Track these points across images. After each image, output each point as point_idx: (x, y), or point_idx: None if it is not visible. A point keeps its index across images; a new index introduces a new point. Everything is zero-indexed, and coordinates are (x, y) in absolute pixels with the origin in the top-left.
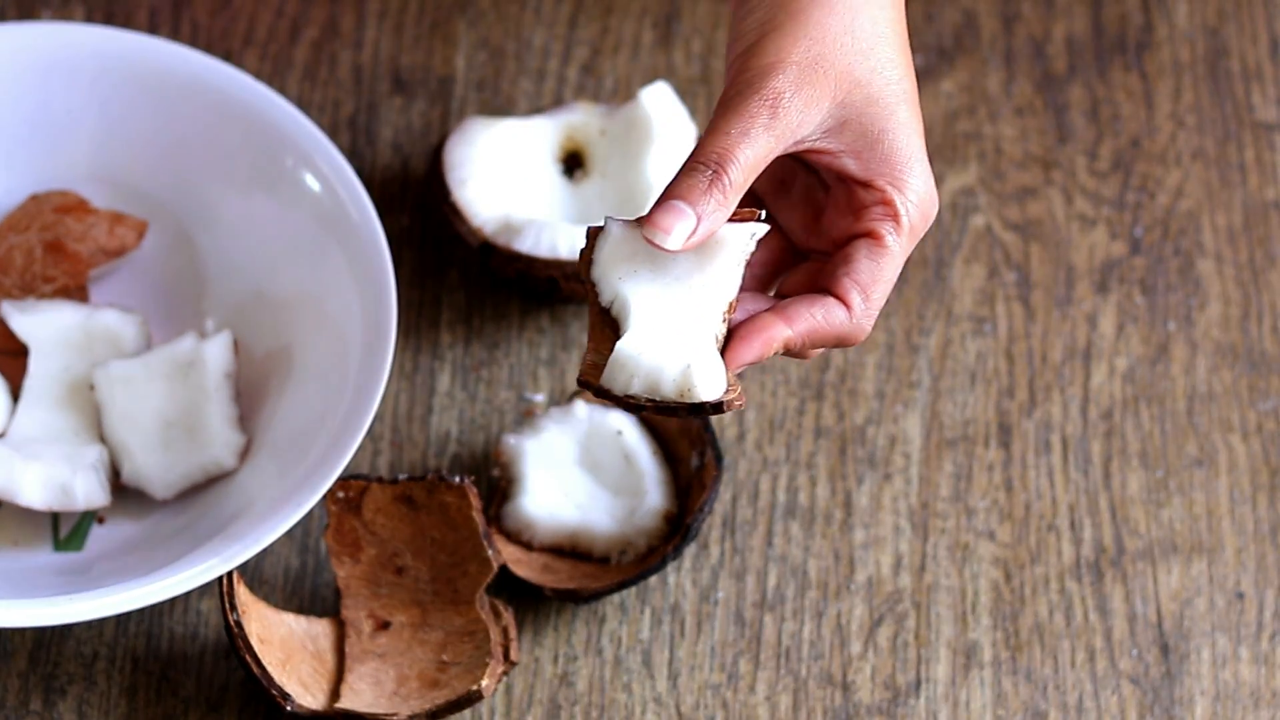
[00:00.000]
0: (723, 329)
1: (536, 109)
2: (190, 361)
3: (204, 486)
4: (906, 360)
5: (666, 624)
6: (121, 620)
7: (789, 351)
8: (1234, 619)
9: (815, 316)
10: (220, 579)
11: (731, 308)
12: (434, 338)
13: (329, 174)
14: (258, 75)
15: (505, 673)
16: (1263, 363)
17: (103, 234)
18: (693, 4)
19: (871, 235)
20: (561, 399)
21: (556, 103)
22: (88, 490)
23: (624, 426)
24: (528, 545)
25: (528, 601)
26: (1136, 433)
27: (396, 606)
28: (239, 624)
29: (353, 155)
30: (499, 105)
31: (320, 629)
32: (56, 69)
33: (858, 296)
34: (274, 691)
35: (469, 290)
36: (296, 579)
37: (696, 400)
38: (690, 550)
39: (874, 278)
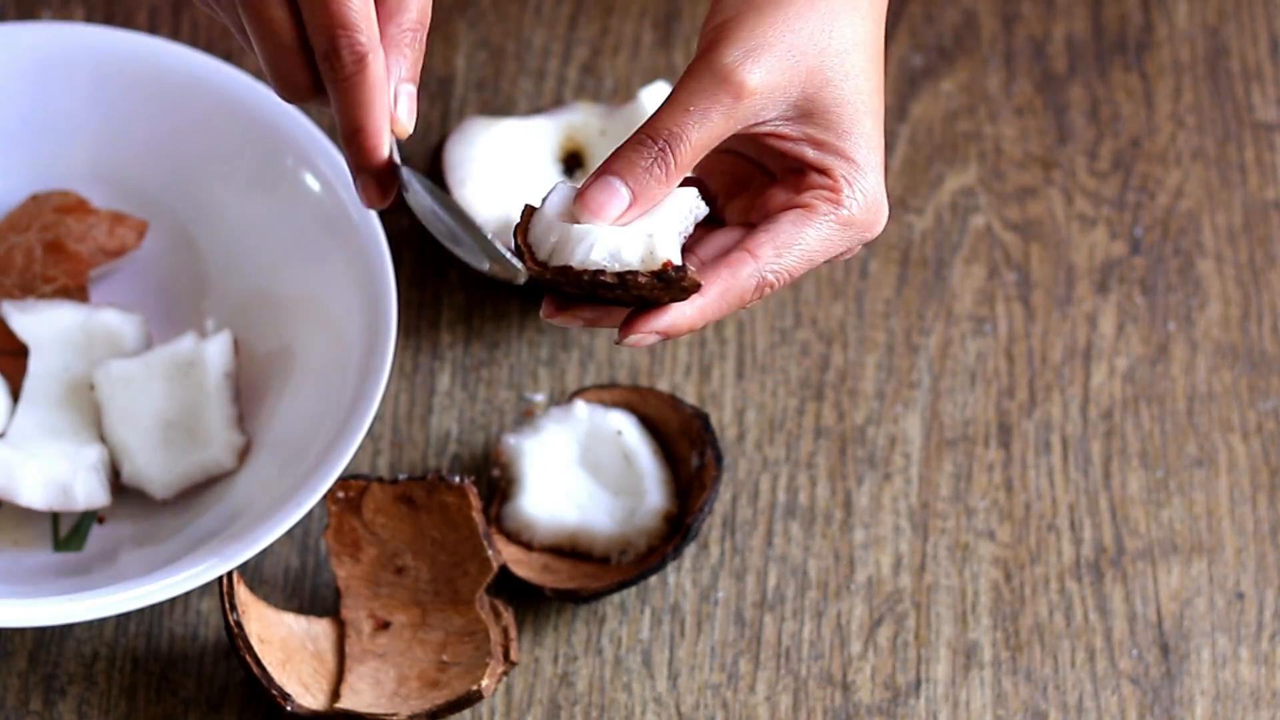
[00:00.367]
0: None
1: (536, 109)
2: (190, 361)
3: (204, 486)
4: (906, 360)
5: (666, 624)
6: (121, 620)
7: (698, 326)
8: (1234, 619)
9: (727, 282)
10: (220, 579)
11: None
12: (434, 338)
13: (329, 174)
14: (258, 75)
15: (505, 673)
16: (1263, 363)
17: (103, 234)
18: (693, 4)
19: (804, 206)
20: (561, 399)
21: (556, 103)
22: (88, 490)
23: (624, 426)
24: (528, 545)
25: (528, 601)
26: (1136, 433)
27: (396, 606)
28: (239, 624)
29: None
30: (499, 105)
31: (320, 629)
32: (56, 69)
33: (769, 250)
34: (274, 691)
35: (469, 290)
36: (296, 579)
37: (661, 263)
38: (690, 550)
39: (792, 239)
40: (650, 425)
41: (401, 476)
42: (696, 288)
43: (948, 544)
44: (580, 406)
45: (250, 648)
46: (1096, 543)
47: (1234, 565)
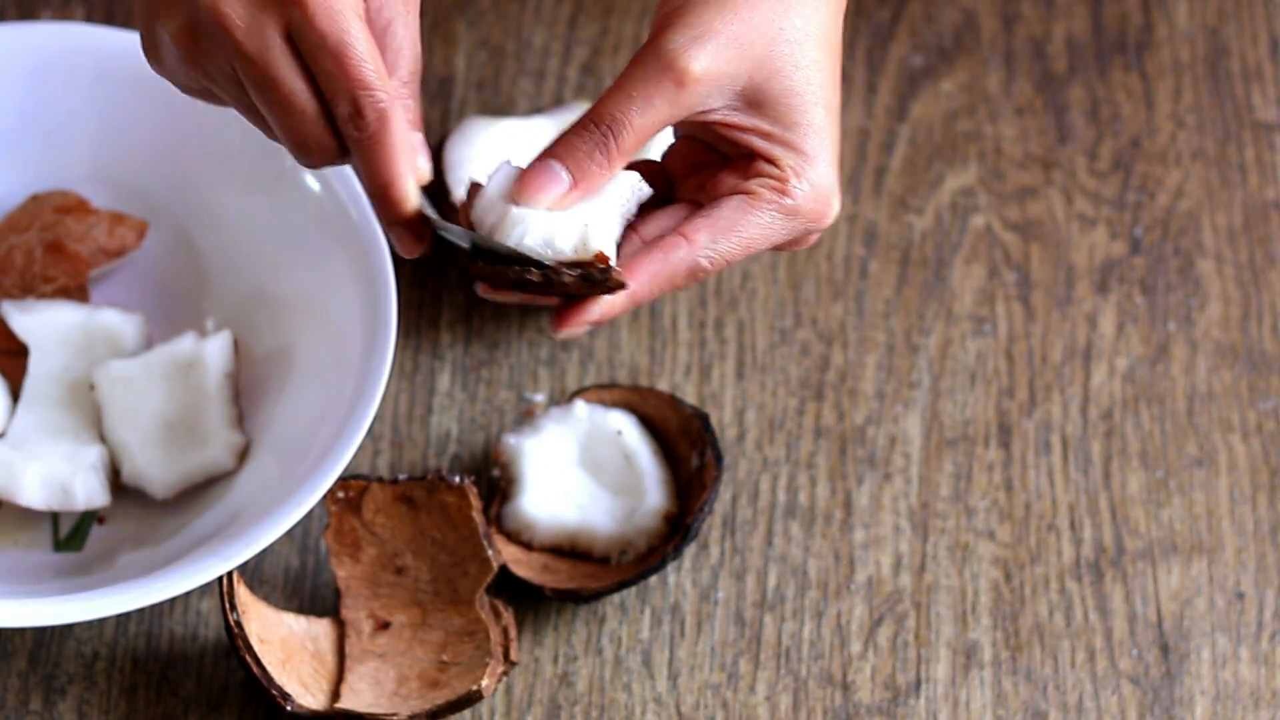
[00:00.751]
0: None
1: (536, 109)
2: (190, 361)
3: (204, 486)
4: (906, 360)
5: (666, 624)
6: (121, 620)
7: (634, 306)
8: (1234, 619)
9: (660, 263)
10: (220, 579)
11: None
12: (434, 338)
13: (329, 174)
14: None
15: (505, 673)
16: (1263, 363)
17: (103, 234)
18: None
19: (748, 193)
20: (561, 399)
21: (556, 103)
22: (88, 490)
23: (624, 426)
24: (528, 545)
25: (528, 601)
26: (1136, 433)
27: (396, 606)
28: (239, 624)
29: None
30: (499, 105)
31: (320, 629)
32: (56, 69)
33: (705, 235)
34: (274, 691)
35: (469, 290)
36: (296, 579)
37: (594, 254)
38: (690, 550)
39: (731, 226)
40: (650, 425)
41: (401, 476)
42: (621, 286)
43: (948, 544)
44: (580, 406)
45: (250, 648)
46: (1096, 543)
47: (1234, 565)
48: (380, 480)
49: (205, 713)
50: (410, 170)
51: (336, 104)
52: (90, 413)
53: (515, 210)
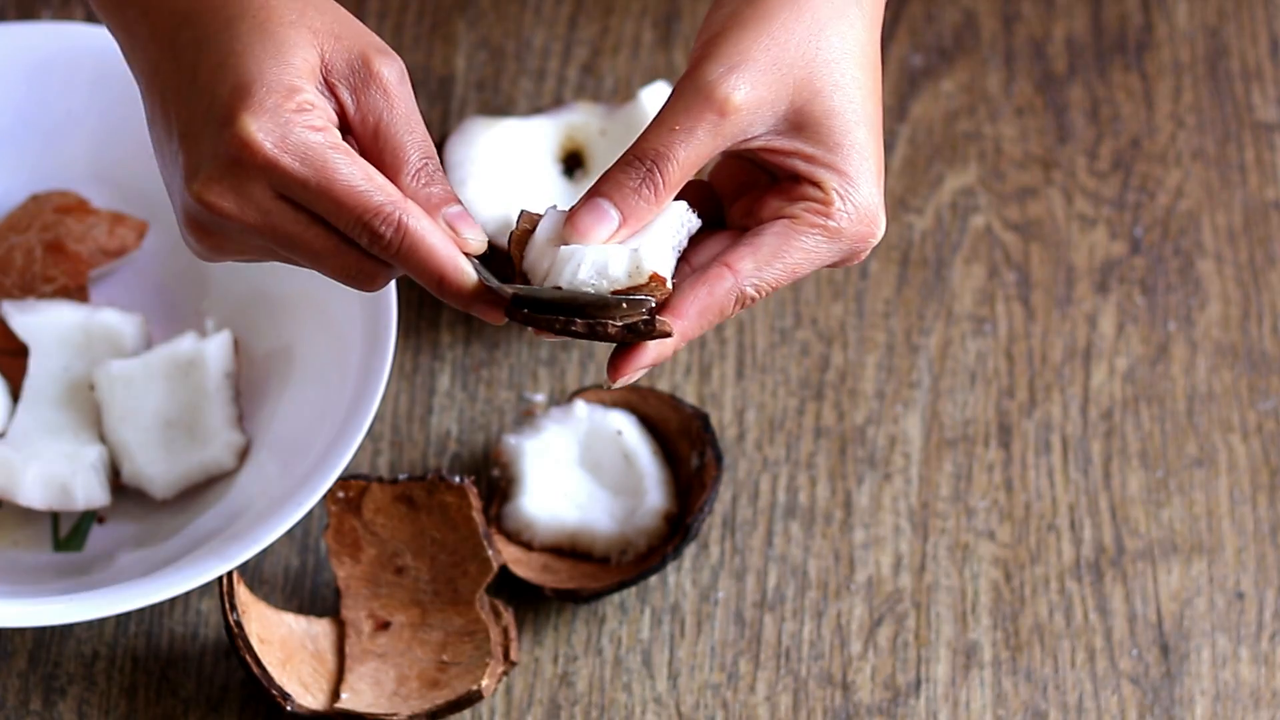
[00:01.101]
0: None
1: (536, 109)
2: (190, 361)
3: (204, 486)
4: (906, 360)
5: (666, 624)
6: (121, 620)
7: (676, 349)
8: (1234, 619)
9: (702, 300)
10: (220, 579)
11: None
12: (434, 338)
13: None
14: None
15: (505, 673)
16: (1263, 363)
17: (103, 234)
18: (693, 4)
19: (793, 217)
20: (561, 399)
21: (556, 103)
22: (88, 490)
23: (624, 426)
24: (528, 545)
25: (528, 601)
26: (1136, 433)
27: (396, 606)
28: (239, 624)
29: None
30: (499, 105)
31: (320, 629)
32: (56, 69)
33: (750, 264)
34: (274, 691)
35: None
36: (296, 579)
37: (648, 275)
38: (690, 550)
39: (775, 253)
40: (650, 425)
41: (401, 476)
42: (666, 335)
43: (948, 544)
44: (580, 406)
45: (250, 648)
46: (1096, 543)
47: (1234, 565)
48: (380, 480)
49: (205, 713)
50: (452, 255)
51: (354, 235)
52: (90, 413)
53: (565, 248)
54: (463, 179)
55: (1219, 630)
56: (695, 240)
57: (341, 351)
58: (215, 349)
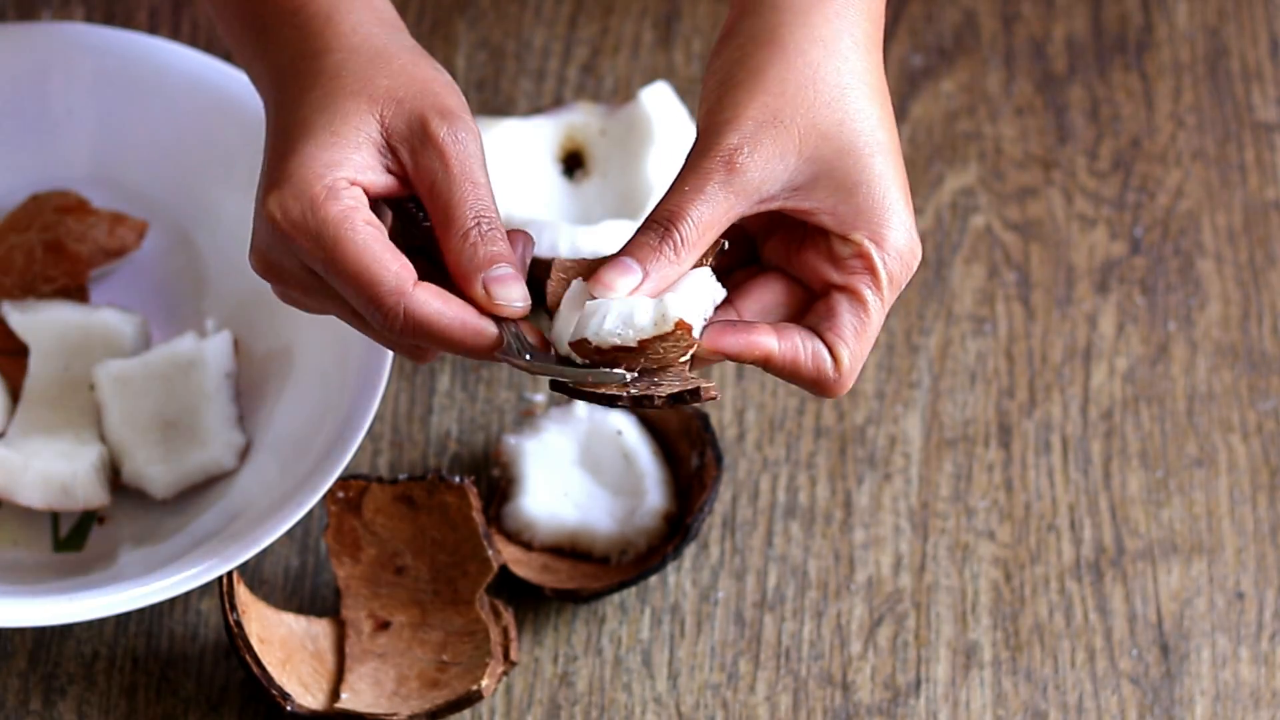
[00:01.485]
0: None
1: (536, 109)
2: (190, 361)
3: (204, 486)
4: (906, 360)
5: (666, 624)
6: (121, 620)
7: (762, 363)
8: (1234, 619)
9: (804, 350)
10: (220, 579)
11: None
12: None
13: None
14: None
15: (505, 673)
16: (1263, 363)
17: (103, 234)
18: (693, 4)
19: (851, 291)
20: (561, 399)
21: (556, 103)
22: (88, 490)
23: (624, 426)
24: (528, 545)
25: (528, 601)
26: (1136, 433)
27: (396, 606)
28: (239, 624)
29: None
30: (499, 105)
31: (320, 629)
32: (56, 69)
33: (846, 352)
34: (274, 691)
35: None
36: (296, 579)
37: (674, 322)
38: (690, 550)
39: (858, 334)
40: (650, 425)
41: (401, 476)
42: (712, 399)
43: (948, 544)
44: (580, 406)
45: (250, 648)
46: (1096, 543)
47: (1234, 565)
48: (380, 480)
49: (205, 713)
50: (466, 324)
51: (367, 319)
52: (90, 413)
53: (590, 302)
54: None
55: (1219, 630)
56: (738, 282)
57: (341, 351)
58: (215, 349)
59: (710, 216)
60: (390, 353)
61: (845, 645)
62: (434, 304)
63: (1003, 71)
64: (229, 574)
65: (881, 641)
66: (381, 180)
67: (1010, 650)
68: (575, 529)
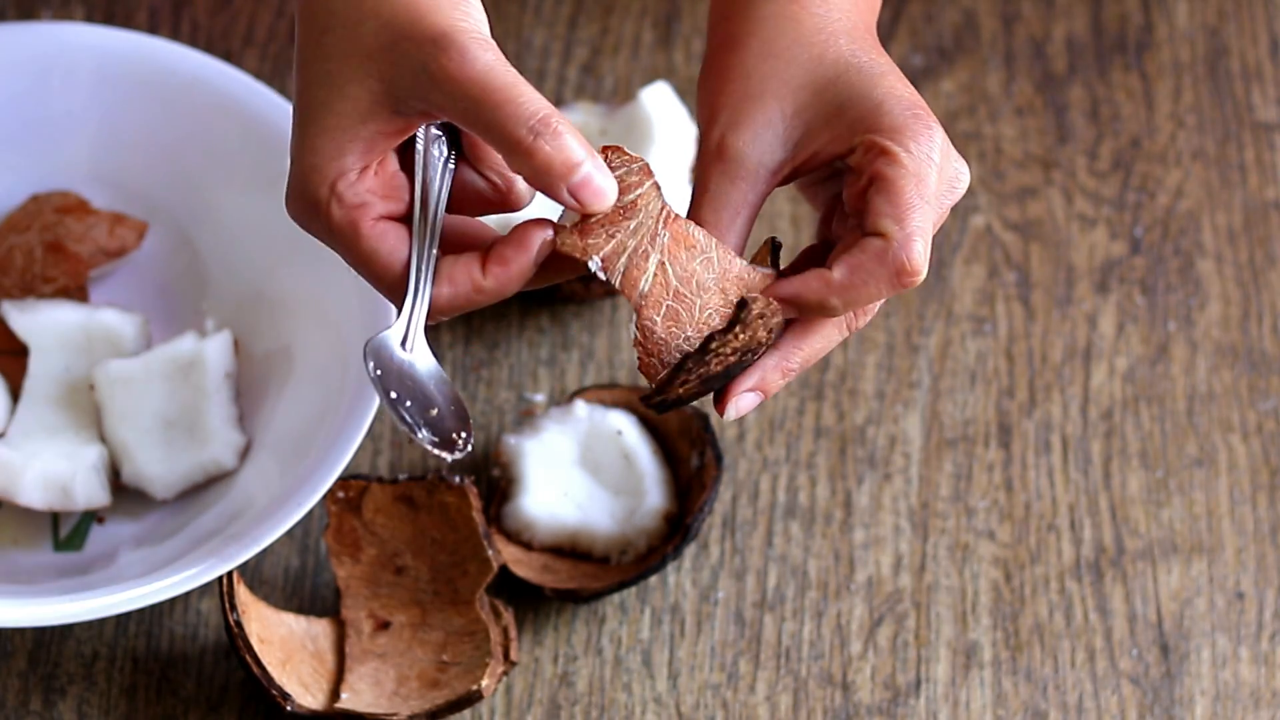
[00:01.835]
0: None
1: None
2: (190, 361)
3: (204, 486)
4: (906, 360)
5: (666, 624)
6: (121, 620)
7: (827, 292)
8: (1234, 619)
9: (856, 254)
10: (220, 579)
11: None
12: (434, 338)
13: None
14: (258, 75)
15: (505, 673)
16: (1263, 363)
17: (103, 234)
18: (693, 4)
19: (873, 178)
20: (561, 399)
21: (556, 103)
22: (88, 490)
23: (624, 426)
24: (528, 545)
25: (528, 601)
26: (1136, 433)
27: (396, 606)
28: (239, 624)
29: None
30: None
31: (320, 629)
32: (56, 69)
33: (894, 227)
34: (274, 691)
35: None
36: (296, 579)
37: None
38: (690, 550)
39: (897, 206)
40: (650, 425)
41: (401, 476)
42: (777, 322)
43: (948, 544)
44: (580, 406)
45: (250, 648)
46: (1096, 543)
47: (1234, 565)
48: (380, 480)
49: (205, 713)
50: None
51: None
52: (90, 413)
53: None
54: None
55: (1219, 630)
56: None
57: (341, 351)
58: (215, 349)
59: (726, 200)
60: None
61: (845, 645)
62: (443, 287)
63: (1003, 71)
64: (229, 574)
65: (881, 641)
66: (398, 128)
67: (1010, 650)
68: (575, 529)
